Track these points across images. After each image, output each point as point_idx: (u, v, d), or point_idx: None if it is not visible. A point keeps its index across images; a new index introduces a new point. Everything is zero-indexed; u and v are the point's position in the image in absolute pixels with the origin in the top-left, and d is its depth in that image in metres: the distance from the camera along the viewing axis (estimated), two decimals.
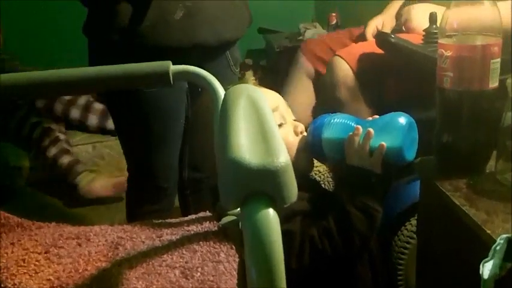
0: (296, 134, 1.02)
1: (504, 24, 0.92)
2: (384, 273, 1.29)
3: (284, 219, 0.88)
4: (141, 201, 1.35)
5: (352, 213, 0.91)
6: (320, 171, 1.07)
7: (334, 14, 2.71)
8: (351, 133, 0.96)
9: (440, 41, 0.92)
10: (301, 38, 2.70)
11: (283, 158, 0.43)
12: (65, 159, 2.44)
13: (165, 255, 0.72)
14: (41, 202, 2.38)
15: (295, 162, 0.99)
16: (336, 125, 1.00)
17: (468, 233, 0.82)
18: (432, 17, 1.31)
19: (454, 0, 0.91)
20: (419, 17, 1.44)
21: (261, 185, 0.41)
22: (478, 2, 0.88)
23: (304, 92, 1.67)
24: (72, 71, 0.79)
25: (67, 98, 2.57)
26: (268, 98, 1.03)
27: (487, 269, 0.72)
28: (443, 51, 0.90)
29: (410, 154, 0.97)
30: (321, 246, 0.90)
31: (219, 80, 0.75)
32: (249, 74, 2.83)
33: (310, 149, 1.01)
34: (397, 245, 1.39)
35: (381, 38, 1.32)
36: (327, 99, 1.46)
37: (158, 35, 1.17)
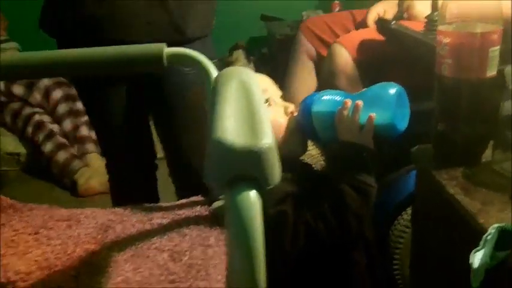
0: (287, 114, 1.01)
1: (504, 13, 0.91)
2: (380, 262, 1.29)
3: (276, 201, 0.88)
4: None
5: (345, 191, 0.90)
6: (312, 154, 1.06)
7: (337, 2, 2.69)
8: (340, 107, 0.94)
9: (439, 28, 0.90)
10: None
11: (267, 139, 0.42)
12: (61, 156, 2.40)
13: (154, 239, 0.72)
14: (36, 189, 2.36)
15: (287, 143, 0.99)
16: (325, 100, 0.99)
17: (462, 223, 0.81)
18: (434, 4, 1.29)
19: None
20: (421, 4, 1.42)
21: (245, 166, 0.40)
22: None
23: (306, 72, 1.65)
24: (65, 52, 0.78)
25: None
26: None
27: (477, 258, 0.71)
28: (442, 38, 0.89)
29: (402, 124, 0.96)
30: (315, 229, 0.89)
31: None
32: (238, 54, 2.78)
33: (302, 127, 1.00)
34: (394, 235, 1.39)
35: (382, 24, 1.30)
36: (326, 87, 1.44)
37: (119, 29, 1.17)
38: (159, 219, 0.75)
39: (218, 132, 0.42)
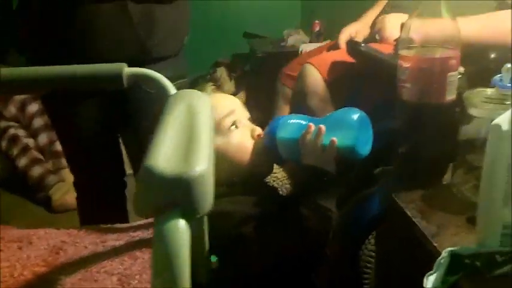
0: (253, 138, 1.01)
1: (463, 39, 0.92)
2: (349, 281, 1.29)
3: (237, 223, 0.88)
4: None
5: (304, 215, 0.90)
6: (278, 177, 1.07)
7: (317, 22, 2.71)
8: (304, 131, 0.95)
9: (400, 52, 0.91)
10: (284, 43, 2.70)
11: (199, 167, 0.42)
12: (36, 171, 2.38)
13: (105, 262, 0.71)
14: (11, 203, 2.31)
15: (252, 166, 0.99)
16: (290, 125, 1.00)
17: (419, 246, 0.82)
18: (404, 27, 1.30)
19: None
20: (392, 26, 1.44)
21: (173, 194, 0.40)
22: (438, 16, 0.88)
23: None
24: (27, 69, 0.78)
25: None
26: (224, 101, 1.03)
27: (430, 282, 0.71)
28: (403, 62, 0.90)
29: (365, 148, 0.96)
30: (276, 249, 0.89)
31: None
32: (221, 71, 2.80)
33: (267, 151, 1.00)
34: (366, 249, 1.39)
35: (351, 46, 1.31)
36: (298, 108, 1.45)
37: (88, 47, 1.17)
38: (112, 241, 0.75)
39: (150, 159, 0.42)
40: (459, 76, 0.94)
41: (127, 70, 0.77)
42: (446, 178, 0.96)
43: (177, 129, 0.51)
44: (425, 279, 0.72)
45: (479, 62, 1.26)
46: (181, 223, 0.40)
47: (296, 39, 2.68)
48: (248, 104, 1.06)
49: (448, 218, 0.83)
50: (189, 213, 0.40)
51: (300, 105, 1.40)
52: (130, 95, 1.20)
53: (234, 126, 1.00)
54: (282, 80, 1.74)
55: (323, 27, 2.69)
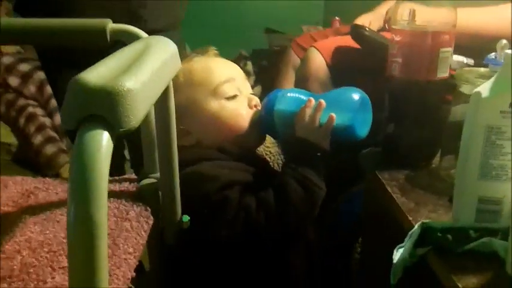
0: (250, 107, 1.00)
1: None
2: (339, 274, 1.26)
3: (221, 187, 0.87)
4: None
5: (290, 184, 0.88)
6: (271, 152, 1.05)
7: (337, 19, 2.69)
8: (303, 105, 0.94)
9: (393, 26, 0.90)
10: None
11: (130, 83, 0.41)
12: (49, 150, 2.41)
13: None
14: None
15: (246, 135, 0.98)
16: (289, 98, 0.98)
17: (396, 222, 0.80)
18: (411, 15, 1.28)
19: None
20: (403, 15, 1.41)
21: (98, 106, 0.40)
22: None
23: (287, 82, 1.67)
24: (7, 20, 0.79)
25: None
26: (225, 67, 1.02)
27: (398, 254, 0.69)
28: (394, 36, 0.88)
29: (363, 131, 0.94)
30: (255, 217, 0.87)
31: None
32: (249, 64, 2.79)
33: (262, 122, 0.99)
34: (357, 252, 1.37)
35: (355, 30, 1.29)
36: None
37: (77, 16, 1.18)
38: None
39: (83, 74, 0.42)
40: (469, 69, 0.92)
41: (111, 25, 0.78)
42: (435, 162, 0.93)
43: (123, 55, 0.50)
44: (394, 252, 0.71)
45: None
46: (103, 134, 0.39)
47: None
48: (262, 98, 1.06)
49: (428, 196, 0.81)
50: (113, 126, 0.40)
51: (301, 87, 1.39)
52: None
53: (233, 94, 0.98)
54: (292, 48, 1.75)
55: (342, 24, 2.67)
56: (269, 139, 1.11)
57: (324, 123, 0.91)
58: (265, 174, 0.97)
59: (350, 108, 0.92)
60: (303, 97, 0.98)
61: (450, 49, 0.87)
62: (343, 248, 1.30)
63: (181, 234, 0.81)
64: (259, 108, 1.01)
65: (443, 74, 0.87)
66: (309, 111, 0.92)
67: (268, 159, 1.05)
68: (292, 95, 1.00)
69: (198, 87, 0.98)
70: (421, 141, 0.90)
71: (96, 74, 0.41)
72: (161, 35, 1.27)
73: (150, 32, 1.21)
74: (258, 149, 1.08)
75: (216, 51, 1.05)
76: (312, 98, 0.94)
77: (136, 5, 1.18)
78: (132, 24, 1.18)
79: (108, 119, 0.40)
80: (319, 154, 0.92)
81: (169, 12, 1.28)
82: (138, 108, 0.42)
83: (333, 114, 0.91)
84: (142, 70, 0.45)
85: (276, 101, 0.98)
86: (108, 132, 0.40)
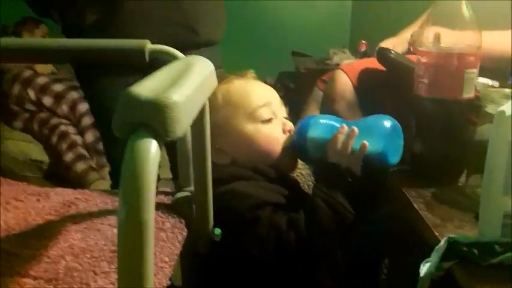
0: (284, 132, 1.02)
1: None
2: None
3: (253, 207, 0.90)
4: None
5: (320, 206, 0.90)
6: (302, 173, 1.07)
7: (364, 42, 2.73)
8: (336, 131, 0.96)
9: (419, 48, 0.93)
10: (328, 61, 2.73)
11: (176, 96, 0.45)
12: (79, 167, 2.49)
13: (111, 216, 0.75)
14: None
15: (279, 158, 1.01)
16: (322, 125, 1.01)
17: (422, 239, 0.81)
18: (436, 37, 1.31)
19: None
20: (427, 38, 1.44)
21: (145, 117, 0.43)
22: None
23: (313, 103, 1.71)
24: (52, 40, 0.85)
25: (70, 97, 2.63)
26: (263, 91, 1.05)
27: (424, 268, 0.71)
28: (420, 57, 0.91)
29: (394, 158, 0.96)
30: (286, 236, 0.89)
31: None
32: None
33: (295, 147, 1.02)
34: (384, 272, 1.37)
35: (381, 52, 1.32)
36: (325, 111, 1.47)
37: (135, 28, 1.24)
38: None
39: (133, 88, 0.46)
40: (496, 89, 0.93)
41: (149, 46, 0.82)
42: (462, 180, 0.95)
43: (168, 72, 0.54)
44: (421, 266, 0.72)
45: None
46: (151, 142, 0.42)
47: (341, 57, 2.71)
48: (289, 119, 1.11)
49: (454, 213, 0.83)
50: (160, 135, 0.44)
51: (328, 108, 1.42)
52: None
53: (268, 118, 1.01)
54: (317, 85, 1.79)
55: (369, 48, 2.71)
56: (300, 161, 1.13)
57: (356, 150, 0.94)
58: (296, 196, 0.99)
59: (382, 136, 0.94)
60: (335, 124, 1.00)
61: (475, 70, 0.89)
62: (369, 268, 1.31)
63: (216, 248, 0.84)
64: (293, 133, 1.03)
65: (468, 94, 0.89)
66: (341, 138, 0.95)
67: (299, 180, 1.07)
68: (324, 121, 1.02)
69: (236, 109, 1.01)
70: (448, 159, 0.92)
71: (146, 88, 0.45)
72: (209, 48, 1.35)
73: (203, 44, 1.29)
74: None
75: (254, 74, 1.08)
76: (344, 125, 0.96)
77: (190, 18, 1.24)
78: (189, 35, 1.25)
79: (157, 128, 0.43)
80: (350, 179, 0.94)
81: (216, 27, 1.35)
82: (183, 120, 0.45)
83: (366, 142, 0.93)
84: (186, 85, 0.49)
85: (309, 128, 1.01)
86: (156, 140, 0.43)
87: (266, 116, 1.01)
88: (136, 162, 0.42)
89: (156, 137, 0.43)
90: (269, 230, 0.90)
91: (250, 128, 1.00)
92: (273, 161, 1.01)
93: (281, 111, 1.06)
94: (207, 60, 0.69)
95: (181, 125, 0.45)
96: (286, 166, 1.05)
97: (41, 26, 2.70)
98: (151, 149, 0.42)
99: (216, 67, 1.25)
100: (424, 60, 0.90)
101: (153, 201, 0.43)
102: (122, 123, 0.44)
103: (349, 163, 0.94)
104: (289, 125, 1.04)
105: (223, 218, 0.84)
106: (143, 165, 0.42)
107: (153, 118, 0.43)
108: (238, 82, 1.04)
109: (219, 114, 0.98)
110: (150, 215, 0.42)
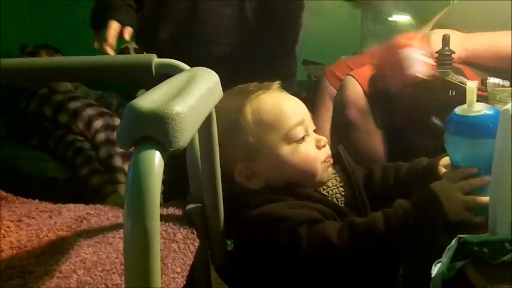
0: (318, 148, 0.96)
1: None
2: None
3: (292, 226, 0.82)
4: None
5: (391, 219, 0.83)
6: (329, 185, 1.01)
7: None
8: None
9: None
10: None
11: (179, 108, 0.45)
12: (96, 180, 2.52)
13: (121, 230, 0.75)
14: None
15: (319, 178, 0.96)
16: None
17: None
18: (445, 40, 1.30)
19: None
20: (437, 41, 1.43)
21: (150, 129, 0.44)
22: None
23: (326, 112, 1.69)
24: (60, 59, 0.86)
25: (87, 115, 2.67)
26: (296, 108, 0.97)
27: (437, 268, 0.70)
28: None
29: None
30: (336, 245, 0.82)
31: None
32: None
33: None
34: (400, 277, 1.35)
35: None
36: (337, 119, 1.46)
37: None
38: None
39: (136, 100, 0.46)
40: (502, 89, 0.91)
41: (156, 60, 0.83)
42: None
43: (172, 83, 0.55)
44: (433, 267, 0.71)
45: None
46: (155, 153, 0.43)
47: None
48: None
49: None
50: (164, 146, 0.44)
51: (340, 115, 1.42)
52: None
53: (303, 136, 0.94)
54: (326, 77, 1.78)
55: None
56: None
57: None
58: (326, 209, 0.93)
59: None
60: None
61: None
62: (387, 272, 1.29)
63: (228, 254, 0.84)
64: (326, 146, 0.98)
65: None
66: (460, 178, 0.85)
67: (326, 193, 1.02)
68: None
69: (270, 130, 0.93)
70: None
71: (148, 100, 0.46)
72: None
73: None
74: None
75: (279, 85, 1.00)
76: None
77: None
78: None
79: (160, 140, 0.44)
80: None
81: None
82: (186, 130, 0.46)
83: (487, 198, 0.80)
84: (189, 96, 0.50)
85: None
86: (160, 151, 0.44)
87: (300, 135, 0.94)
88: (140, 173, 0.42)
89: (159, 149, 0.44)
90: (309, 247, 0.83)
91: (286, 150, 0.92)
92: (312, 181, 0.95)
93: (312, 126, 0.99)
94: (211, 71, 0.69)
95: (185, 136, 0.45)
96: (322, 182, 0.98)
97: (57, 55, 2.77)
98: (155, 160, 0.43)
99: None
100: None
101: (157, 210, 0.43)
102: (126, 136, 0.44)
103: (454, 206, 0.84)
104: (324, 141, 0.97)
105: (260, 242, 0.84)
106: (147, 176, 0.42)
107: (156, 130, 0.44)
108: (267, 97, 0.95)
109: (250, 134, 0.91)
110: (156, 224, 0.43)
